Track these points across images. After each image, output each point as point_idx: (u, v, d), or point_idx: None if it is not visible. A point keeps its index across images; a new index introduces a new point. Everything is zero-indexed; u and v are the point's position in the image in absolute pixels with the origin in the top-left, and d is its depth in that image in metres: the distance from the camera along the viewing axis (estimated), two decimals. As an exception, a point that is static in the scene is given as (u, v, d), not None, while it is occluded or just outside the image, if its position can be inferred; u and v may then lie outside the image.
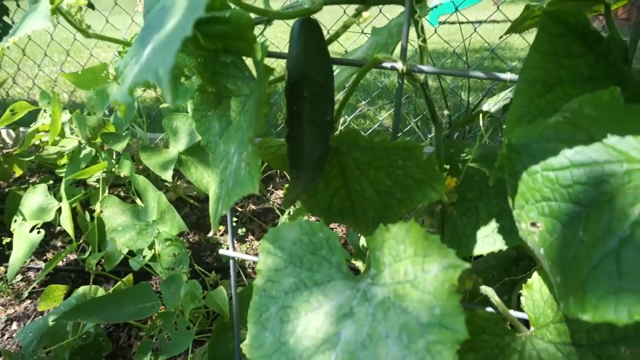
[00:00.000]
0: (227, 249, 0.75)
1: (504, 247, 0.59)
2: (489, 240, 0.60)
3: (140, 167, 1.70)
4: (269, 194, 1.77)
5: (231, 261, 0.82)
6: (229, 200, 0.56)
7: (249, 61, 0.60)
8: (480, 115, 0.68)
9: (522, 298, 0.51)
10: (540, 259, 0.41)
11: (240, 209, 1.70)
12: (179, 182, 1.82)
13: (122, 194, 1.77)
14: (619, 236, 0.34)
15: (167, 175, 1.34)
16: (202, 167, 1.39)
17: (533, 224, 0.41)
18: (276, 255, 0.51)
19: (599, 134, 0.38)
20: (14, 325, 1.15)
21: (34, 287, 1.31)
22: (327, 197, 0.67)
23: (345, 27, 0.58)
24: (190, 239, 1.56)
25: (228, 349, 0.88)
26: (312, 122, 0.54)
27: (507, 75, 0.53)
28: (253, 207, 1.71)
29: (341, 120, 2.11)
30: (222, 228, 1.57)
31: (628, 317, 0.32)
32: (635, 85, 0.49)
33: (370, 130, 2.19)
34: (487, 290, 0.57)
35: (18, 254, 1.21)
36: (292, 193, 0.56)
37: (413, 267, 0.40)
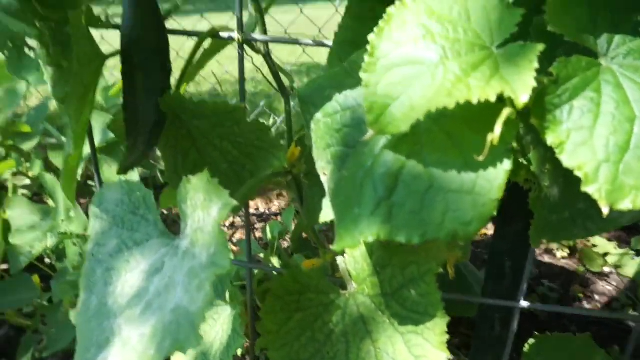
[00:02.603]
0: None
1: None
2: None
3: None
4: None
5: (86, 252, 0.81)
6: (65, 171, 0.56)
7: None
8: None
9: (345, 256, 0.53)
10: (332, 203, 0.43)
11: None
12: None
13: (45, 200, 1.72)
14: (364, 168, 0.36)
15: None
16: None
17: (324, 174, 0.43)
18: (102, 218, 0.51)
19: (365, 79, 0.40)
20: None
21: None
22: (187, 171, 0.67)
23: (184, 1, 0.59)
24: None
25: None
26: (145, 88, 0.55)
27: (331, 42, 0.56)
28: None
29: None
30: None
31: (358, 240, 0.34)
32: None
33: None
34: (339, 259, 0.59)
35: None
36: (128, 159, 0.57)
37: (203, 212, 0.42)
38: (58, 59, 0.62)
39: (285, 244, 1.30)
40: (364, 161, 0.36)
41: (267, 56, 0.62)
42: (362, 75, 0.32)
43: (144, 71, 0.56)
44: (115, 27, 0.61)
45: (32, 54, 0.63)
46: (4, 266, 1.28)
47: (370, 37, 0.32)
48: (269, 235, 1.09)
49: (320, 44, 0.58)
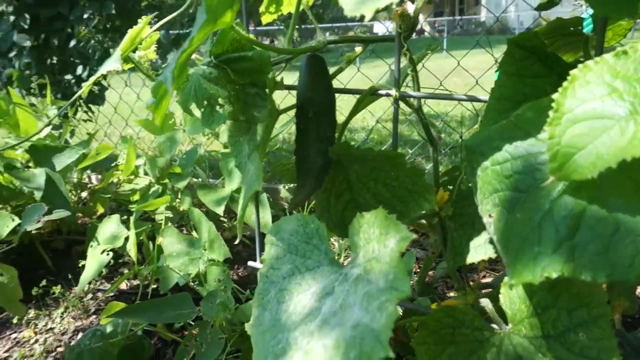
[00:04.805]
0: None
1: (493, 256, 0.63)
2: (481, 249, 0.65)
3: (203, 208, 1.88)
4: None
5: (259, 273, 0.91)
6: (244, 201, 0.66)
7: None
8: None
9: (500, 296, 0.55)
10: (497, 246, 0.46)
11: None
12: (235, 223, 1.98)
13: (184, 231, 1.95)
14: (542, 211, 0.40)
15: (219, 210, 1.48)
16: (252, 204, 1.52)
17: (490, 215, 0.47)
18: (277, 245, 0.60)
19: (534, 131, 0.44)
20: (79, 336, 1.30)
21: (99, 305, 1.47)
22: (338, 211, 0.75)
23: (348, 62, 0.69)
24: (240, 273, 1.67)
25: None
26: (315, 137, 0.64)
27: (485, 97, 0.61)
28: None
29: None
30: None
31: (540, 276, 0.37)
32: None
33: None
34: (485, 301, 0.61)
35: (88, 272, 1.39)
36: (297, 198, 0.66)
37: (378, 244, 0.47)
38: (237, 114, 0.75)
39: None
40: (540, 204, 0.40)
41: (419, 110, 0.68)
42: (546, 127, 0.36)
43: (316, 123, 0.65)
44: (287, 88, 0.73)
45: (221, 111, 0.76)
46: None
47: (554, 95, 0.36)
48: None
49: (473, 99, 0.63)
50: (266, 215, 1.51)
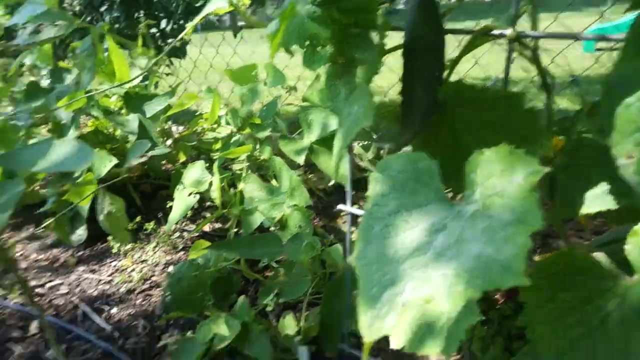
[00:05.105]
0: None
1: (614, 207, 0.59)
2: (597, 201, 0.61)
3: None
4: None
5: (348, 216, 0.93)
6: (348, 137, 0.67)
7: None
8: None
9: (626, 246, 0.52)
10: (636, 188, 0.44)
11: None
12: (310, 176, 2.02)
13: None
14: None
15: (300, 160, 1.52)
16: (331, 155, 1.54)
17: (630, 157, 0.44)
18: (383, 182, 0.60)
19: (696, 62, 0.40)
20: (170, 268, 1.42)
21: (186, 243, 1.59)
22: (437, 157, 0.73)
23: (459, 0, 0.66)
24: (315, 223, 1.72)
25: (341, 304, 0.98)
26: (422, 76, 0.63)
27: (618, 36, 0.56)
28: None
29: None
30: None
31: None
32: None
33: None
34: (599, 255, 0.58)
35: (176, 211, 1.49)
36: (401, 138, 0.65)
37: (500, 180, 0.46)
38: (336, 56, 0.74)
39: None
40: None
41: (535, 52, 0.64)
42: None
43: (423, 62, 0.64)
44: (393, 28, 0.71)
45: (322, 52, 0.76)
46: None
47: None
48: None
49: (600, 38, 0.58)
50: (345, 165, 1.53)
